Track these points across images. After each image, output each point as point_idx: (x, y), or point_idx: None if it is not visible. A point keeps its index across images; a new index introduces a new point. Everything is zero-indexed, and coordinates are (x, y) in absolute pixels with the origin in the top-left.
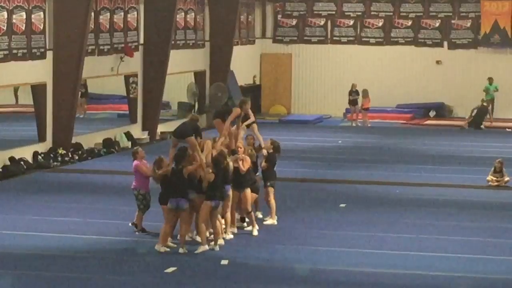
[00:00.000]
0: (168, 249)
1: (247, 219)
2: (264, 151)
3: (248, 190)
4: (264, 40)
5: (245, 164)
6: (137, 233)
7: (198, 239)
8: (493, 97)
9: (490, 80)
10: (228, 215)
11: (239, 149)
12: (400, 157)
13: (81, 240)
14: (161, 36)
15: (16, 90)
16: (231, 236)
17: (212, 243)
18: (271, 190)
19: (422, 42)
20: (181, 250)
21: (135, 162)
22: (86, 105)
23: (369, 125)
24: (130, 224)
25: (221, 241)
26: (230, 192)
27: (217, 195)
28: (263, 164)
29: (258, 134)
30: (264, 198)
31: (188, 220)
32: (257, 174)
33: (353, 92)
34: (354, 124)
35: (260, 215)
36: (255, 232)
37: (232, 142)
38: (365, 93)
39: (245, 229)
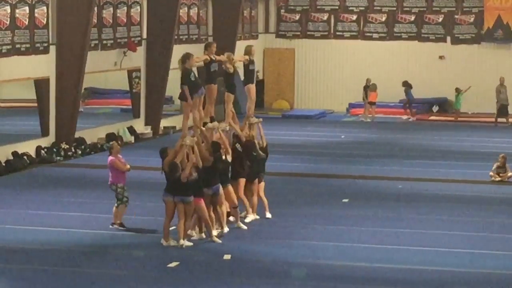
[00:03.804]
0: (172, 243)
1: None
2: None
3: (230, 186)
4: (267, 35)
5: (228, 157)
6: (110, 226)
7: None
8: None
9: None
10: (223, 208)
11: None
12: (402, 152)
13: (85, 234)
14: (164, 31)
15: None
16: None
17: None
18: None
19: (425, 37)
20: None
21: (110, 157)
22: None
23: (374, 119)
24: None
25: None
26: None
27: (212, 181)
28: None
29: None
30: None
31: (183, 214)
32: None
33: (367, 87)
34: (369, 120)
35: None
36: (244, 226)
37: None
38: (373, 87)
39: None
